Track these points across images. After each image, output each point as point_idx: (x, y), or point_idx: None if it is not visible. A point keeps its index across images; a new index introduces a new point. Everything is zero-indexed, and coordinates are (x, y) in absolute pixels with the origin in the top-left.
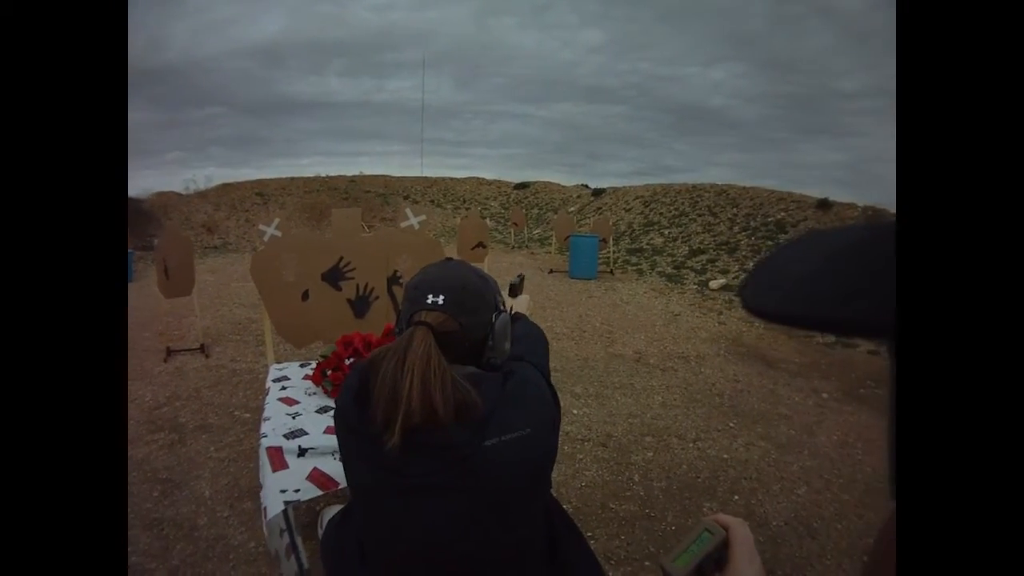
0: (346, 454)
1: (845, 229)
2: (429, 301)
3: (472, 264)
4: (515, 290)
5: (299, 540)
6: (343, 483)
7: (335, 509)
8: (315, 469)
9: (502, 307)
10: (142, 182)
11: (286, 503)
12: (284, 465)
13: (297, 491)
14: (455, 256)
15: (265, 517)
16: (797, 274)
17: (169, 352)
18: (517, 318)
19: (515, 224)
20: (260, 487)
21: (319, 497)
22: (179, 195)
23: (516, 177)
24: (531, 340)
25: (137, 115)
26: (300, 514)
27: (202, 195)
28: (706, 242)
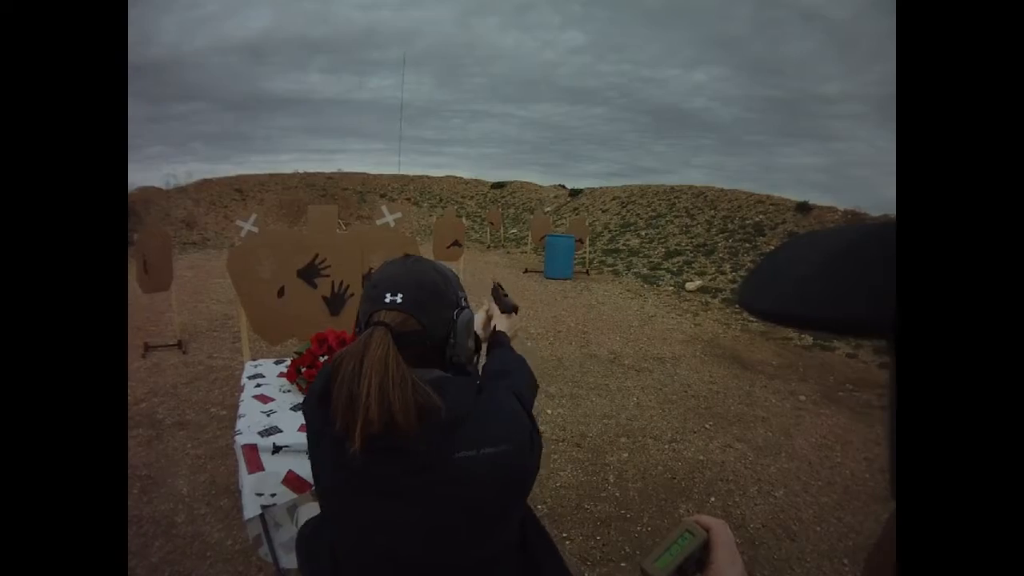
0: (313, 457)
1: (844, 230)
2: (387, 300)
3: (437, 261)
4: (507, 306)
5: (276, 541)
6: None
7: (310, 508)
8: (290, 472)
9: (464, 303)
10: None
11: (263, 507)
12: (259, 466)
13: (273, 495)
14: (431, 254)
15: (244, 516)
16: (796, 274)
17: (147, 347)
18: (499, 343)
19: (491, 223)
20: (238, 483)
21: (294, 500)
22: (159, 190)
23: (494, 176)
24: (516, 375)
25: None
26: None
27: (182, 191)
28: (683, 244)
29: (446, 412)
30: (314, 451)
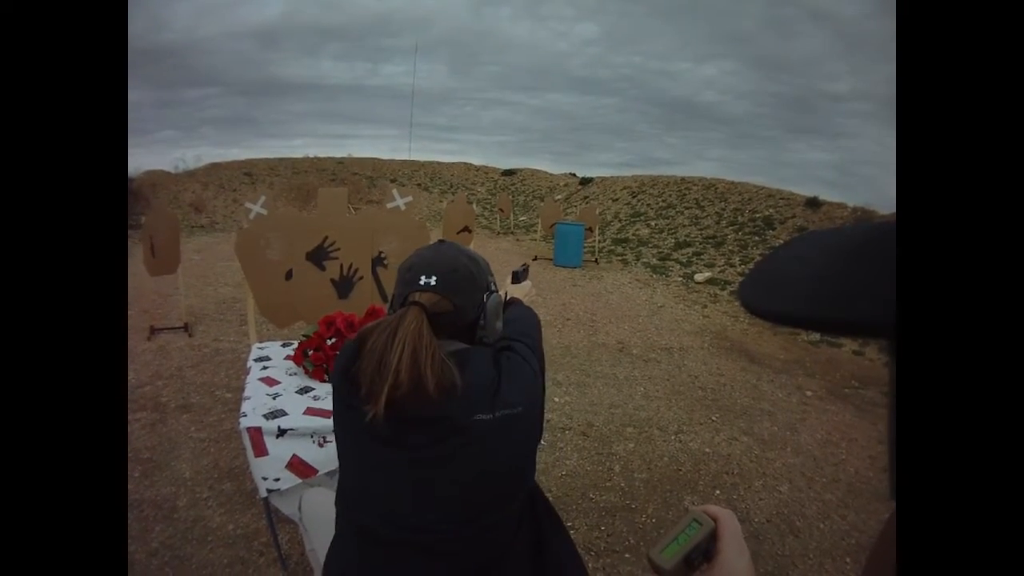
0: (338, 428)
1: (845, 229)
2: (422, 282)
3: (464, 246)
4: (517, 277)
5: (278, 528)
6: (322, 470)
7: (314, 492)
8: (294, 456)
9: (494, 287)
10: (132, 160)
11: (268, 491)
12: (264, 451)
13: (277, 480)
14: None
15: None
16: (797, 274)
17: (153, 330)
18: (512, 303)
19: (501, 210)
20: (247, 466)
21: (298, 486)
22: (168, 174)
23: (505, 164)
24: (523, 322)
25: (133, 94)
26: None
27: (191, 174)
28: (692, 235)
29: (464, 387)
30: (339, 423)
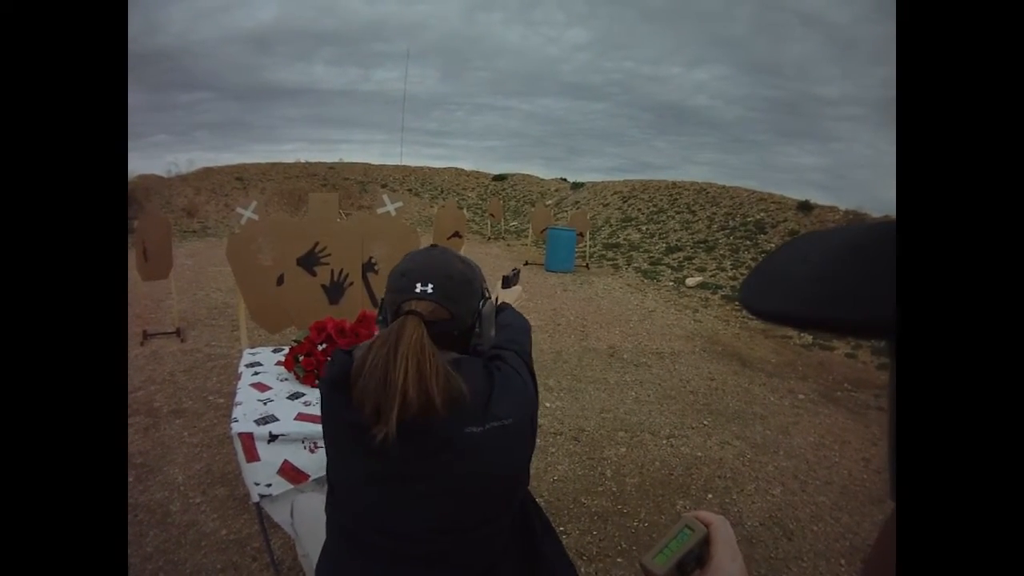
0: (328, 441)
1: (847, 229)
2: (418, 290)
3: (456, 251)
4: (508, 282)
5: (271, 533)
6: (313, 476)
7: (305, 497)
8: (286, 462)
9: (487, 293)
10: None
11: (261, 496)
12: (256, 456)
13: (269, 485)
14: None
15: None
16: (798, 274)
17: (145, 335)
18: (502, 308)
19: (492, 215)
20: (239, 471)
21: (290, 491)
22: (161, 178)
23: (495, 169)
24: (514, 329)
25: (128, 97)
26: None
27: (183, 179)
28: (683, 240)
29: (468, 398)
30: (328, 433)
